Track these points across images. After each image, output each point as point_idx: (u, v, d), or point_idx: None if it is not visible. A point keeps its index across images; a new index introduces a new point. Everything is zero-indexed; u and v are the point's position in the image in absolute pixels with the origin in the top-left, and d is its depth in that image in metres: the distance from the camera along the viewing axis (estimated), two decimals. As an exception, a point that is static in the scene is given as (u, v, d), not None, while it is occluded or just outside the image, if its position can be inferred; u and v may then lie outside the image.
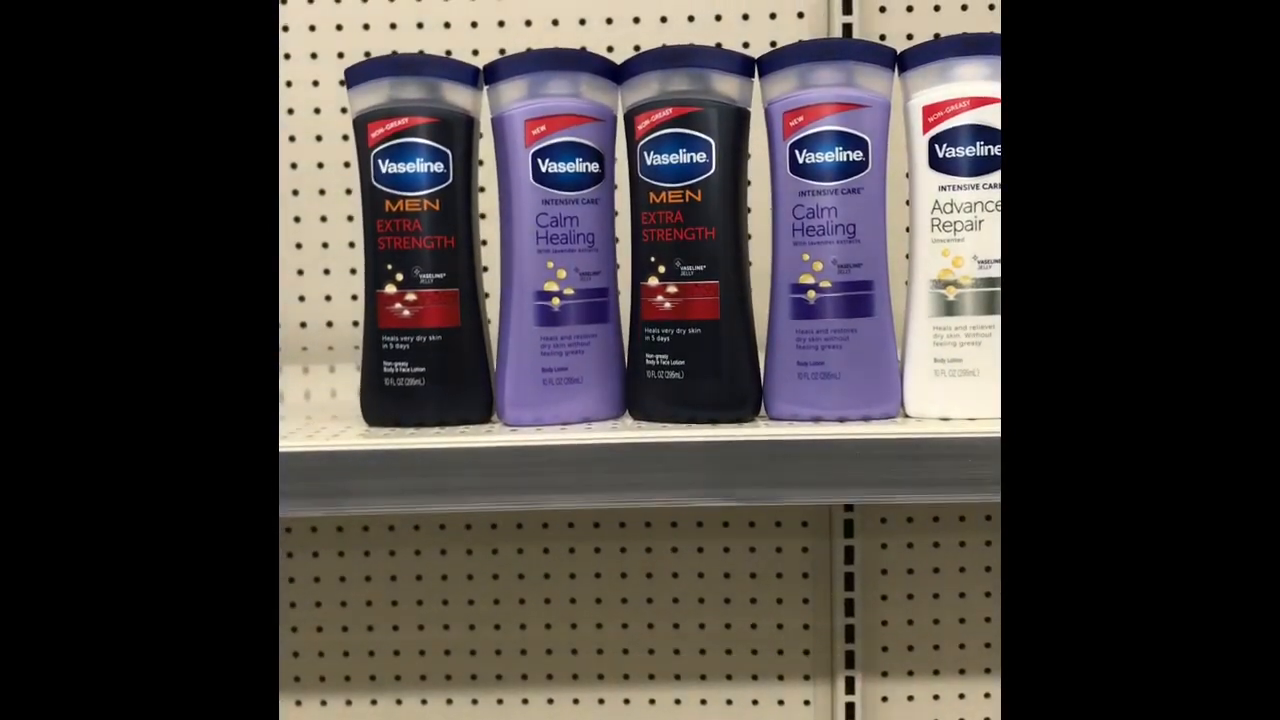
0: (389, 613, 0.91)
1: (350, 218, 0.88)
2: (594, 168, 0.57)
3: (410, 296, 0.56)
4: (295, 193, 0.88)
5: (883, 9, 0.87)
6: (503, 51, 0.87)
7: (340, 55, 0.87)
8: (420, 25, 0.87)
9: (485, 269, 0.61)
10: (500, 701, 0.92)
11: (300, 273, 0.89)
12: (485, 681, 0.92)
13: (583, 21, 0.87)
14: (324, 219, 0.88)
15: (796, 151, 0.55)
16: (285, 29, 0.87)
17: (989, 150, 0.54)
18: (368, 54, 0.87)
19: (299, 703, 0.91)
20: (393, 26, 0.88)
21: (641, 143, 0.56)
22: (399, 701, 0.92)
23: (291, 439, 0.54)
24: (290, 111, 0.88)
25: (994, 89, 0.54)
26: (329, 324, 0.89)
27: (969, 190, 0.54)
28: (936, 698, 0.91)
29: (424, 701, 0.92)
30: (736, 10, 0.87)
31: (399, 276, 0.56)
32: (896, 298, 0.57)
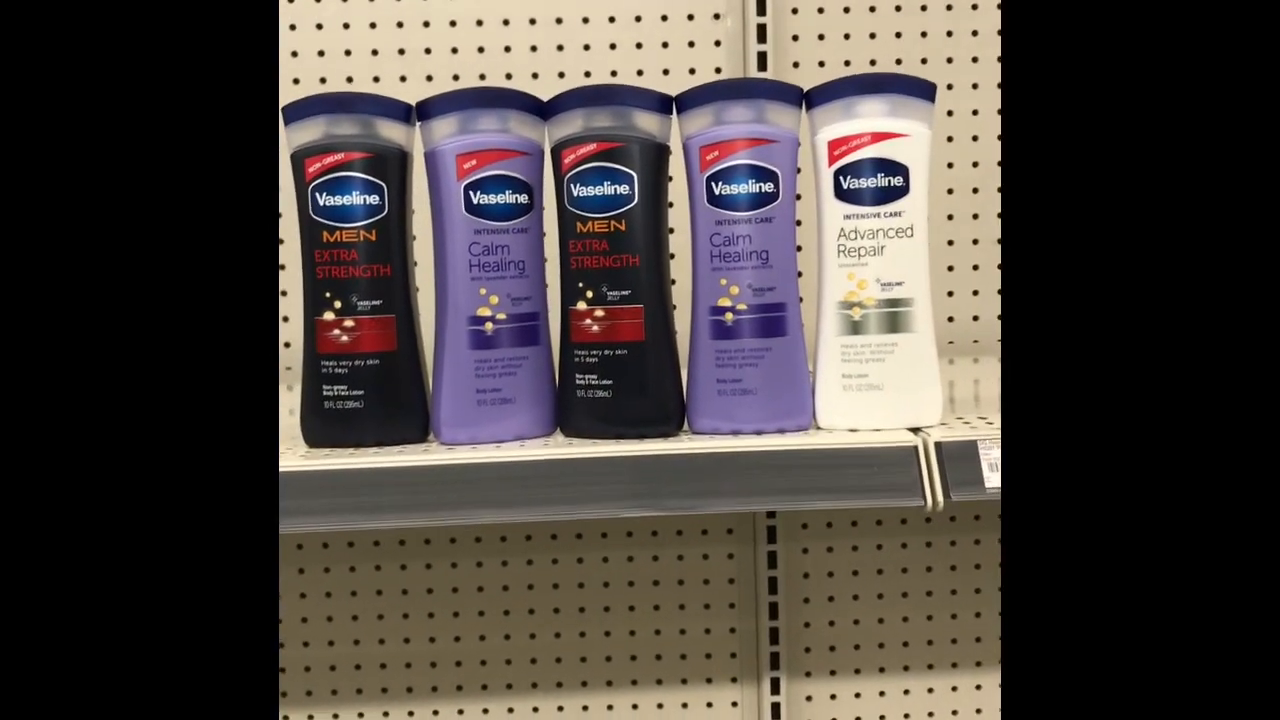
0: (325, 629, 0.93)
1: (282, 241, 0.90)
2: (523, 199, 0.60)
3: (348, 323, 0.59)
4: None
5: (795, 38, 0.91)
6: (430, 78, 0.89)
7: (296, 82, 0.89)
8: (348, 52, 0.89)
9: (417, 289, 0.64)
10: (436, 713, 0.94)
11: (285, 294, 0.90)
12: (421, 694, 0.94)
13: (508, 49, 0.90)
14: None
15: (713, 184, 0.59)
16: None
17: (890, 181, 0.58)
18: (296, 80, 0.89)
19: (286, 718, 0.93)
20: (320, 54, 0.89)
21: (568, 175, 0.59)
22: (335, 716, 0.93)
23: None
24: (222, 139, 0.89)
25: (894, 124, 0.58)
26: (286, 345, 0.90)
27: (872, 218, 0.58)
28: (858, 695, 0.95)
29: (361, 715, 0.93)
30: (656, 39, 0.90)
31: (337, 304, 0.59)
32: (807, 318, 0.60)
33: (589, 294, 0.59)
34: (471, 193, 0.58)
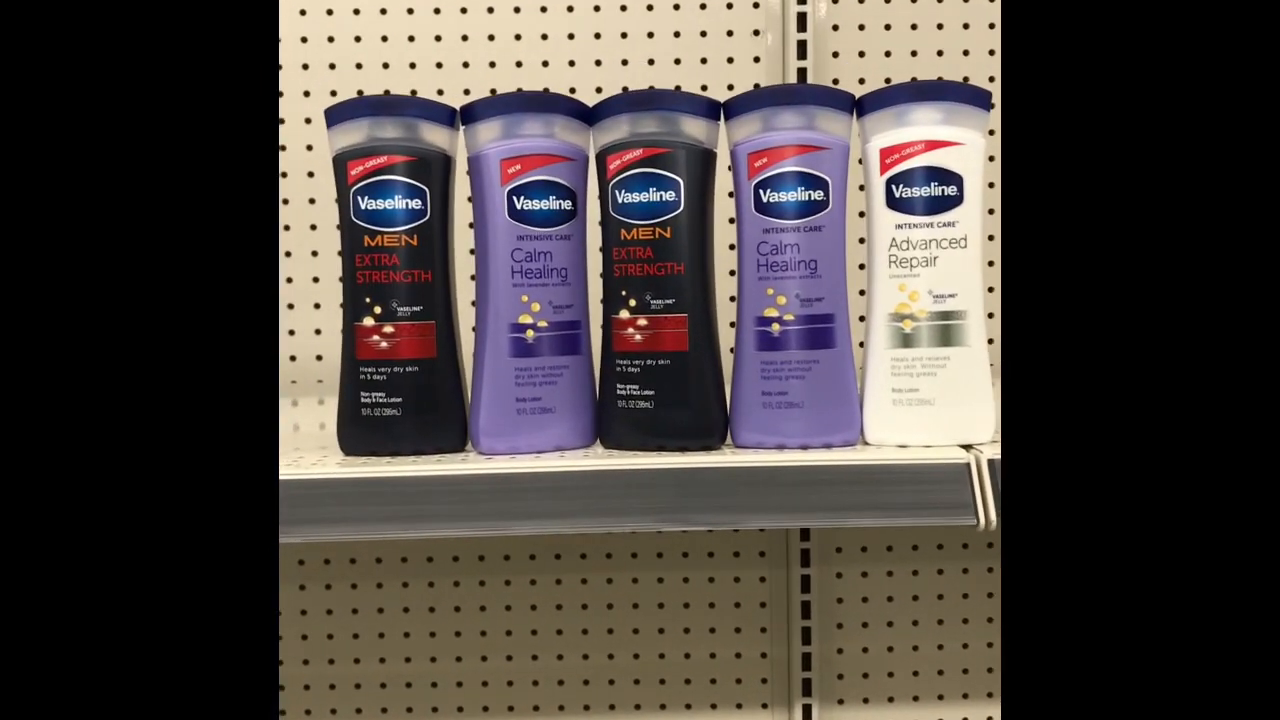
0: (348, 646, 0.92)
1: (315, 254, 0.89)
2: (567, 205, 0.59)
3: (388, 329, 0.58)
4: (286, 228, 0.89)
5: (836, 54, 0.90)
6: (467, 92, 0.89)
7: (306, 94, 0.89)
8: (386, 65, 0.89)
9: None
10: (462, 733, 0.92)
11: (291, 306, 0.90)
12: (446, 713, 0.92)
13: (545, 64, 0.90)
14: (314, 254, 0.89)
15: (761, 191, 0.57)
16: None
17: (943, 190, 0.57)
18: (333, 93, 0.89)
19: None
20: (358, 66, 0.89)
21: (613, 181, 0.58)
22: (360, 735, 0.92)
23: (270, 468, 0.55)
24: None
25: (947, 133, 0.57)
26: (319, 358, 0.90)
27: (924, 229, 0.57)
28: (891, 724, 0.94)
29: (386, 734, 0.92)
30: (695, 55, 0.90)
31: (377, 309, 0.58)
32: (855, 330, 0.59)
33: (632, 302, 0.58)
34: (515, 198, 0.58)
